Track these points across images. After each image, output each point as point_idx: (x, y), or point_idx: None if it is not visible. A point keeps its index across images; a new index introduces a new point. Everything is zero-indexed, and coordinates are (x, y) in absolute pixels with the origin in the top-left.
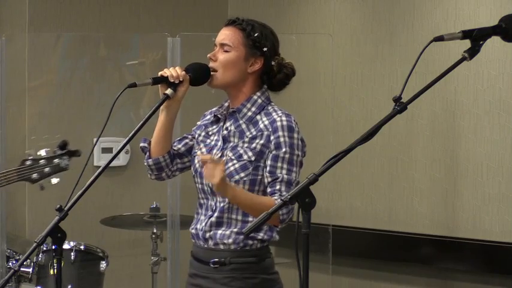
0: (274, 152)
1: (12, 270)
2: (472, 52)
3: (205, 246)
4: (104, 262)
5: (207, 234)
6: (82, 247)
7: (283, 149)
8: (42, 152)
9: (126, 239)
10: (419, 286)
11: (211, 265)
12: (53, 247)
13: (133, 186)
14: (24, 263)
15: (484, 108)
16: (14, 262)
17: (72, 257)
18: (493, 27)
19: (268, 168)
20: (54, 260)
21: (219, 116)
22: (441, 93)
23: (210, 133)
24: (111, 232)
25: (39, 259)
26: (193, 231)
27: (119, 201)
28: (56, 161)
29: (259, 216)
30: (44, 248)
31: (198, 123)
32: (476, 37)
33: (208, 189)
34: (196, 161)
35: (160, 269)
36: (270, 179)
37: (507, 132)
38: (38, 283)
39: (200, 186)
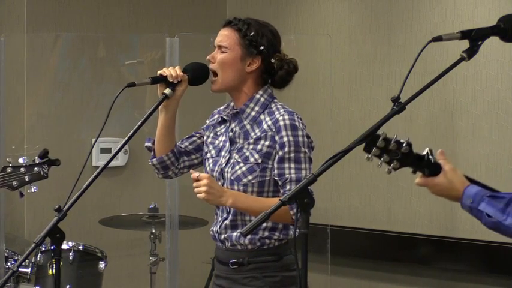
0: (280, 154)
1: (11, 271)
2: (471, 52)
3: (224, 247)
4: (102, 262)
5: (222, 236)
6: (80, 247)
7: (288, 149)
8: (21, 160)
9: (124, 239)
10: (418, 286)
11: (230, 266)
12: (52, 247)
13: (131, 187)
14: (23, 263)
15: (482, 108)
16: (13, 262)
17: (71, 257)
18: (491, 28)
19: (276, 172)
20: (53, 260)
21: (224, 117)
22: (440, 94)
23: (218, 133)
24: (110, 232)
25: (38, 259)
26: (211, 232)
27: (117, 202)
28: (36, 169)
29: (273, 219)
30: (43, 248)
31: (207, 122)
32: (475, 37)
33: None
34: (207, 164)
35: (158, 269)
36: (280, 182)
37: (505, 133)
38: (37, 283)
39: None
